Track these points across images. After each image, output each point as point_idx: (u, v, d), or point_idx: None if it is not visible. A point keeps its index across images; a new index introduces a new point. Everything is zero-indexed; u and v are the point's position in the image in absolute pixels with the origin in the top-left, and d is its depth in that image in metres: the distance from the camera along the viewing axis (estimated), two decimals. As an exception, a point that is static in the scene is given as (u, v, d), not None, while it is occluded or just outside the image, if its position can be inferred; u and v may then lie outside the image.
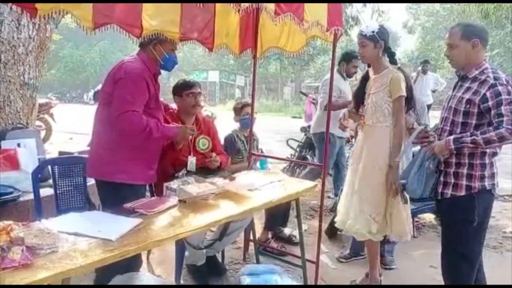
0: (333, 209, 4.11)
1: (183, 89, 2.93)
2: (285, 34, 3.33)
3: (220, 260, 3.15)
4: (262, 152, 3.97)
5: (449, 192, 2.30)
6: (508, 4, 11.74)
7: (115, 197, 2.34)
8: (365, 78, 2.90)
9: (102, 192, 2.56)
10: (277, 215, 3.59)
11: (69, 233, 1.78)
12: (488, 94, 2.16)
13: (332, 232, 3.85)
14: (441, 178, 2.34)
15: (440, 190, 2.34)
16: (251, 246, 3.30)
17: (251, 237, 3.24)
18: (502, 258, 3.56)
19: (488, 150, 2.25)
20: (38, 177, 2.68)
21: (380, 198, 2.70)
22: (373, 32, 2.69)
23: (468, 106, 2.23)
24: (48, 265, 1.52)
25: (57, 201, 2.73)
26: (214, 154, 2.91)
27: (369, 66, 2.87)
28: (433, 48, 28.03)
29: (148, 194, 2.79)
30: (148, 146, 2.51)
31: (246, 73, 27.05)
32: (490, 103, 2.15)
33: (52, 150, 5.66)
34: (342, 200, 2.95)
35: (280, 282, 2.76)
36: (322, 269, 3.09)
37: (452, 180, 2.29)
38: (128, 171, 2.43)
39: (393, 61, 2.79)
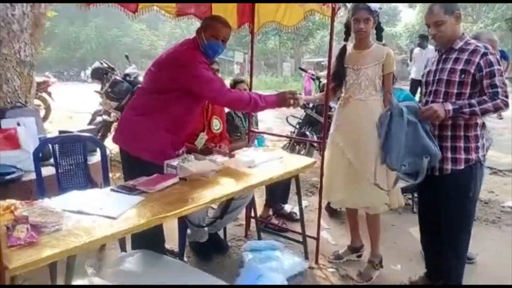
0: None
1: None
2: (282, 9, 3.30)
3: (222, 237, 3.19)
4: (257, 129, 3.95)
5: (449, 167, 2.33)
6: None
7: (135, 171, 2.36)
8: (342, 54, 2.85)
9: (125, 163, 2.56)
10: (277, 192, 3.62)
11: (72, 211, 1.80)
12: (482, 63, 2.21)
13: (333, 209, 3.89)
14: (444, 154, 2.35)
15: (438, 166, 2.36)
16: (253, 223, 3.33)
17: (253, 215, 3.27)
18: (500, 233, 3.61)
19: (479, 121, 2.30)
20: (39, 156, 2.68)
21: (383, 168, 2.69)
22: (380, 9, 2.71)
23: (463, 76, 2.26)
24: (53, 242, 1.54)
25: (59, 180, 2.73)
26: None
27: (357, 41, 2.80)
28: (434, 22, 27.61)
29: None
30: (179, 130, 2.51)
31: (244, 49, 26.69)
32: (483, 72, 2.20)
33: (52, 129, 5.66)
34: (336, 181, 2.83)
35: (281, 257, 2.82)
36: (323, 245, 3.13)
37: (450, 155, 2.32)
38: (152, 150, 2.41)
39: (379, 38, 2.82)
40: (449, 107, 2.21)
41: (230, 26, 2.60)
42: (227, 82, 3.56)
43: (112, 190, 2.11)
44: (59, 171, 2.73)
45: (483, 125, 2.36)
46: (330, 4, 2.74)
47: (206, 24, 2.52)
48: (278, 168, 2.70)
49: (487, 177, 4.78)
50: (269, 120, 9.04)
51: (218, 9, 3.24)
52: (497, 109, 2.21)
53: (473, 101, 2.20)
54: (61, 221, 1.68)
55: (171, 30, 34.91)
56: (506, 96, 2.18)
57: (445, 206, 2.40)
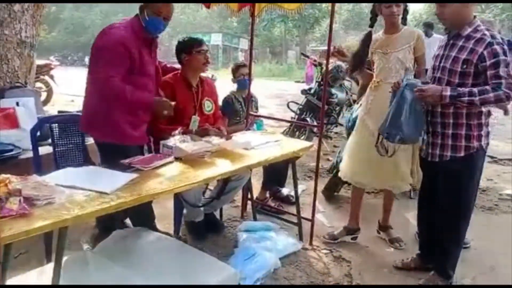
0: (331, 171, 4.15)
1: (192, 46, 2.85)
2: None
3: (218, 217, 3.22)
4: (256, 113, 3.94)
5: (448, 154, 2.33)
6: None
7: (109, 156, 2.43)
8: (367, 40, 2.86)
9: (99, 150, 2.63)
10: (275, 175, 3.64)
11: (65, 186, 1.82)
12: (485, 53, 2.15)
13: (329, 193, 3.91)
14: (438, 140, 2.36)
15: (438, 153, 2.36)
16: (249, 205, 3.36)
17: (249, 196, 3.30)
18: (496, 219, 3.62)
19: (484, 109, 2.26)
20: (36, 135, 2.71)
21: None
22: None
23: (465, 66, 2.22)
24: (45, 215, 1.57)
25: (56, 159, 2.76)
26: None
27: (388, 25, 2.80)
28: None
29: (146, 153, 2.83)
30: (132, 109, 2.52)
31: (250, 36, 26.57)
32: (487, 62, 2.14)
33: (53, 112, 5.68)
34: (363, 163, 2.84)
35: (276, 238, 2.85)
36: (318, 227, 3.16)
37: (450, 142, 2.32)
38: (114, 132, 2.48)
39: (404, 22, 2.85)
40: (447, 92, 2.18)
41: (172, 4, 2.60)
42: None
43: (106, 167, 2.13)
44: (56, 149, 2.75)
45: (489, 113, 2.33)
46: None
47: (148, 3, 2.48)
48: (274, 150, 2.71)
49: (486, 165, 4.79)
50: (270, 106, 9.05)
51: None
52: (498, 101, 2.15)
53: (474, 90, 2.15)
54: (54, 195, 1.70)
55: (176, 16, 34.50)
56: (510, 88, 2.12)
57: (443, 192, 2.40)
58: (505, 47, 2.16)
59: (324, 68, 5.56)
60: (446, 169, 2.37)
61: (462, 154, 2.30)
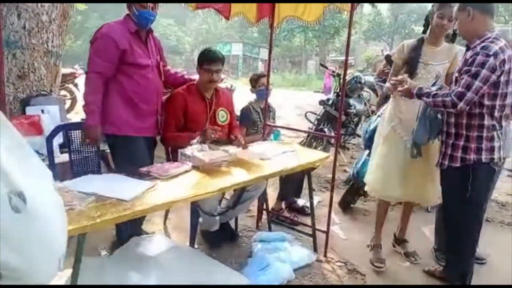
0: (347, 182, 4.13)
1: (203, 61, 2.86)
2: (302, 3, 3.29)
3: (233, 227, 3.25)
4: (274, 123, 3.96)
5: (446, 163, 2.37)
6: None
7: (117, 150, 2.66)
8: (419, 46, 2.77)
9: (108, 146, 2.78)
10: (291, 186, 3.65)
11: (86, 193, 1.88)
12: (468, 59, 2.19)
13: (345, 205, 3.89)
14: (443, 149, 2.40)
15: (440, 161, 2.41)
16: (265, 215, 3.37)
17: (264, 207, 3.31)
18: (501, 231, 3.54)
19: (486, 123, 2.23)
20: (52, 142, 2.76)
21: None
22: None
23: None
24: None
25: (72, 165, 2.82)
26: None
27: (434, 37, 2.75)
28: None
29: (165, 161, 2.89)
30: (137, 101, 2.64)
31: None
32: (464, 68, 2.20)
33: (77, 119, 5.83)
34: (395, 175, 2.75)
35: (290, 249, 2.85)
36: (333, 239, 3.14)
37: (449, 151, 2.35)
38: (118, 124, 2.62)
39: (453, 40, 2.95)
40: (414, 90, 2.37)
41: None
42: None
43: (125, 174, 2.18)
44: (73, 157, 2.81)
45: (493, 127, 2.24)
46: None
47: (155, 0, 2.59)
48: (290, 160, 2.73)
49: (505, 179, 4.68)
50: (289, 116, 9.06)
51: (237, 3, 3.28)
52: (444, 106, 2.22)
53: (434, 92, 2.27)
54: (75, 201, 1.76)
55: (198, 26, 35.22)
56: (459, 98, 2.14)
57: (444, 202, 2.48)
58: (492, 59, 2.10)
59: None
60: (445, 178, 2.44)
61: (458, 164, 2.30)
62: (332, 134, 4.92)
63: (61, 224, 1.30)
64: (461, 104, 2.16)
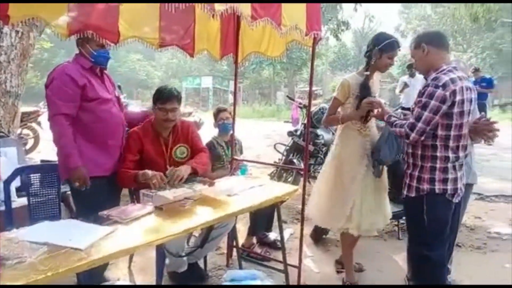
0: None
1: (157, 100, 2.76)
2: (266, 39, 3.34)
3: (203, 266, 3.13)
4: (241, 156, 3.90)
5: (405, 192, 2.42)
6: (497, 7, 11.85)
7: (82, 193, 2.50)
8: (368, 84, 2.86)
9: (72, 189, 2.62)
10: (261, 220, 3.59)
11: (39, 242, 1.76)
12: (421, 90, 2.30)
13: (317, 236, 3.85)
14: (404, 179, 2.44)
15: (403, 191, 2.45)
16: (235, 252, 3.28)
17: (234, 243, 3.22)
18: (486, 259, 3.56)
19: (439, 154, 2.27)
20: (10, 186, 2.64)
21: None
22: None
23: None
24: (15, 275, 1.50)
25: (30, 210, 2.69)
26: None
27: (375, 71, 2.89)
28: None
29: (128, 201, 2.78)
30: (98, 137, 2.57)
31: (240, 78, 27.04)
32: (417, 99, 2.29)
33: (39, 159, 5.63)
34: (367, 204, 2.78)
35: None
36: (306, 273, 3.08)
37: (407, 181, 2.39)
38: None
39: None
40: (385, 117, 2.49)
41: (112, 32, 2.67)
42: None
43: (83, 220, 2.07)
44: (31, 200, 2.68)
45: (446, 159, 2.26)
46: (312, 34, 2.77)
47: (87, 37, 2.52)
48: (258, 196, 2.67)
49: (473, 203, 4.78)
50: (258, 147, 9.07)
51: (201, 40, 3.29)
52: (401, 136, 2.33)
53: (398, 122, 2.36)
54: (25, 253, 1.64)
55: (167, 61, 35.41)
56: (411, 128, 2.23)
57: (407, 230, 2.56)
58: (441, 90, 2.17)
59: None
60: (404, 207, 2.53)
61: (413, 194, 2.35)
62: (301, 164, 4.93)
63: None
64: (413, 135, 2.23)
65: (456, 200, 2.35)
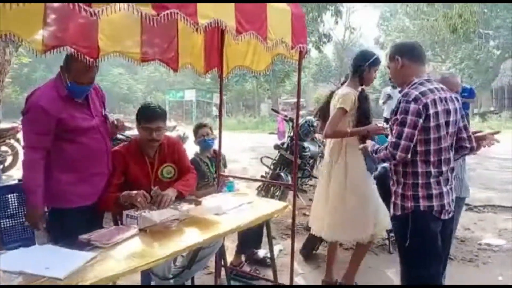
0: (308, 228, 4.03)
1: (141, 118, 2.64)
2: (251, 53, 3.28)
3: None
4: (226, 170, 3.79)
5: (391, 211, 2.35)
6: (475, 19, 12.14)
7: (55, 225, 2.41)
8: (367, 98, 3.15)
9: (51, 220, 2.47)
10: (250, 237, 3.48)
11: (14, 272, 1.64)
12: (394, 108, 2.24)
13: (308, 252, 3.77)
14: (392, 198, 2.37)
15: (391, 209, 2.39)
16: (223, 271, 3.17)
17: (223, 263, 3.12)
18: (478, 271, 3.53)
19: (420, 170, 2.20)
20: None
21: None
22: None
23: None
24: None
25: (2, 236, 2.56)
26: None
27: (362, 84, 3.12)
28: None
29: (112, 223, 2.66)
30: (75, 167, 2.42)
31: (223, 91, 27.05)
32: (393, 117, 2.23)
33: (17, 176, 5.44)
34: (377, 212, 3.03)
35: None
36: (297, 292, 2.99)
37: (393, 199, 2.32)
38: (60, 194, 2.38)
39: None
40: (369, 148, 2.44)
41: (94, 67, 2.43)
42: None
43: (62, 246, 1.95)
44: (4, 224, 2.54)
45: (428, 174, 2.19)
46: (297, 48, 2.74)
47: (69, 67, 2.36)
48: (247, 214, 2.59)
49: (462, 214, 4.77)
50: (244, 159, 9.00)
51: (185, 54, 3.21)
52: (387, 159, 2.26)
53: (380, 147, 2.30)
54: (-2, 285, 1.52)
55: (149, 74, 35.22)
56: (395, 148, 2.14)
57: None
58: (412, 105, 2.12)
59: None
60: (392, 226, 2.47)
61: (399, 213, 2.27)
62: (289, 177, 4.86)
63: None
64: (398, 153, 2.13)
65: (445, 217, 2.23)
